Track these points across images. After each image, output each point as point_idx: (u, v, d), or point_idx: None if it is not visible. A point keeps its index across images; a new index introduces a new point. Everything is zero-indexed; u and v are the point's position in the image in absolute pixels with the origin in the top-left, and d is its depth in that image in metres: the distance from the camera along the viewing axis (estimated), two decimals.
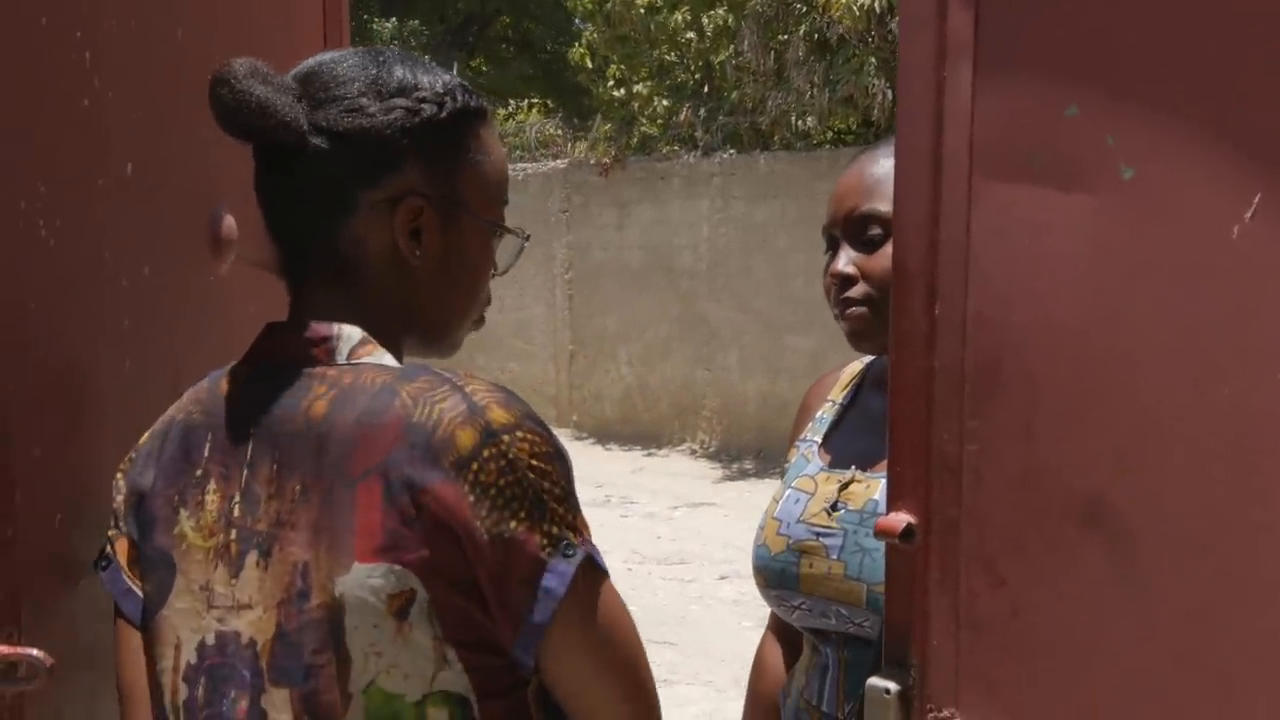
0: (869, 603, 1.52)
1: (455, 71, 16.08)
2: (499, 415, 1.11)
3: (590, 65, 14.53)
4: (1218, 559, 1.11)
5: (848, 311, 1.62)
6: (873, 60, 10.46)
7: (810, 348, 10.90)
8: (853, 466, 1.64)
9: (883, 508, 1.45)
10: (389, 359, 1.21)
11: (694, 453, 11.94)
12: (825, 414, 1.78)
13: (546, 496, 1.11)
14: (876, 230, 1.60)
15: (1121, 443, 1.17)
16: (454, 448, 1.08)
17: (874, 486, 1.58)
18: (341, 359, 1.19)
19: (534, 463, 1.11)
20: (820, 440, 1.74)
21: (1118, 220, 1.16)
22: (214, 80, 1.15)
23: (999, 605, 1.25)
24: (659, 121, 12.85)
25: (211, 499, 1.18)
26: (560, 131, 14.24)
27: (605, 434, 12.69)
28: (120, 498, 1.27)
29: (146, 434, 1.28)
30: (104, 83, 1.41)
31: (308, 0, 2.06)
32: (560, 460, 1.14)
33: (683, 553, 8.23)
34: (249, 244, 1.26)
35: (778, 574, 1.63)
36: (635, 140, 12.75)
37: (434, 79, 1.24)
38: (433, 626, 1.11)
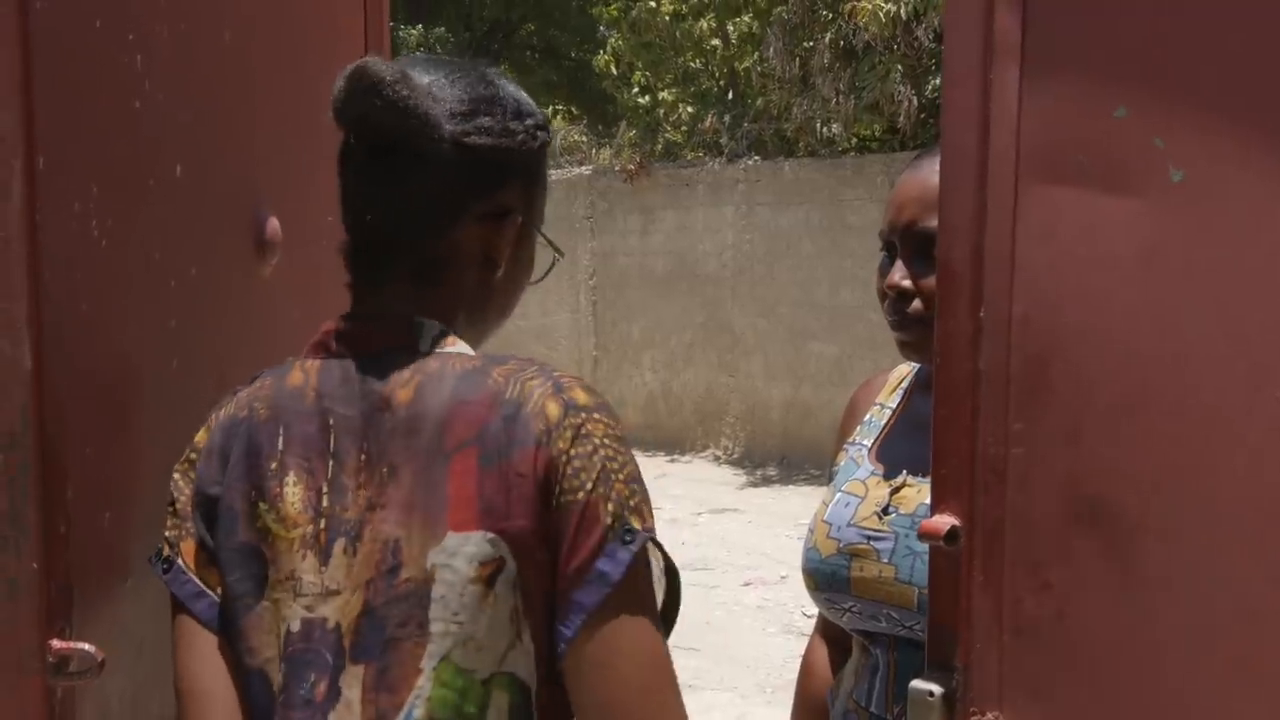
0: (920, 606, 1.52)
1: None
2: (581, 396, 1.18)
3: (615, 72, 14.58)
4: (1270, 561, 1.11)
5: (900, 326, 1.62)
6: (899, 67, 10.45)
7: (834, 354, 10.88)
8: (904, 471, 1.64)
9: None
10: (469, 349, 1.26)
11: (718, 459, 11.93)
12: (874, 417, 1.78)
13: (616, 474, 1.16)
14: (933, 244, 1.54)
15: (1170, 446, 1.16)
16: (542, 416, 1.15)
17: (925, 491, 1.58)
18: (425, 348, 1.23)
19: (606, 441, 1.17)
20: (870, 444, 1.73)
21: (1167, 223, 1.16)
22: (361, 83, 1.18)
23: (1044, 609, 1.25)
24: (684, 128, 12.88)
25: (292, 491, 1.20)
26: (585, 138, 14.27)
27: (629, 440, 12.69)
28: (184, 499, 1.27)
29: (202, 433, 1.29)
30: (154, 85, 1.42)
31: (350, 6, 2.08)
32: (629, 450, 1.20)
33: (706, 559, 8.23)
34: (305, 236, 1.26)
35: (828, 577, 1.63)
36: (660, 147, 12.77)
37: (532, 104, 1.32)
38: (515, 598, 1.14)
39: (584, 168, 13.27)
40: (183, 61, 1.49)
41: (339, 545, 1.18)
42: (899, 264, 1.61)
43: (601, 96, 17.51)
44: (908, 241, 1.61)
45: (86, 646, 1.25)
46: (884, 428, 1.75)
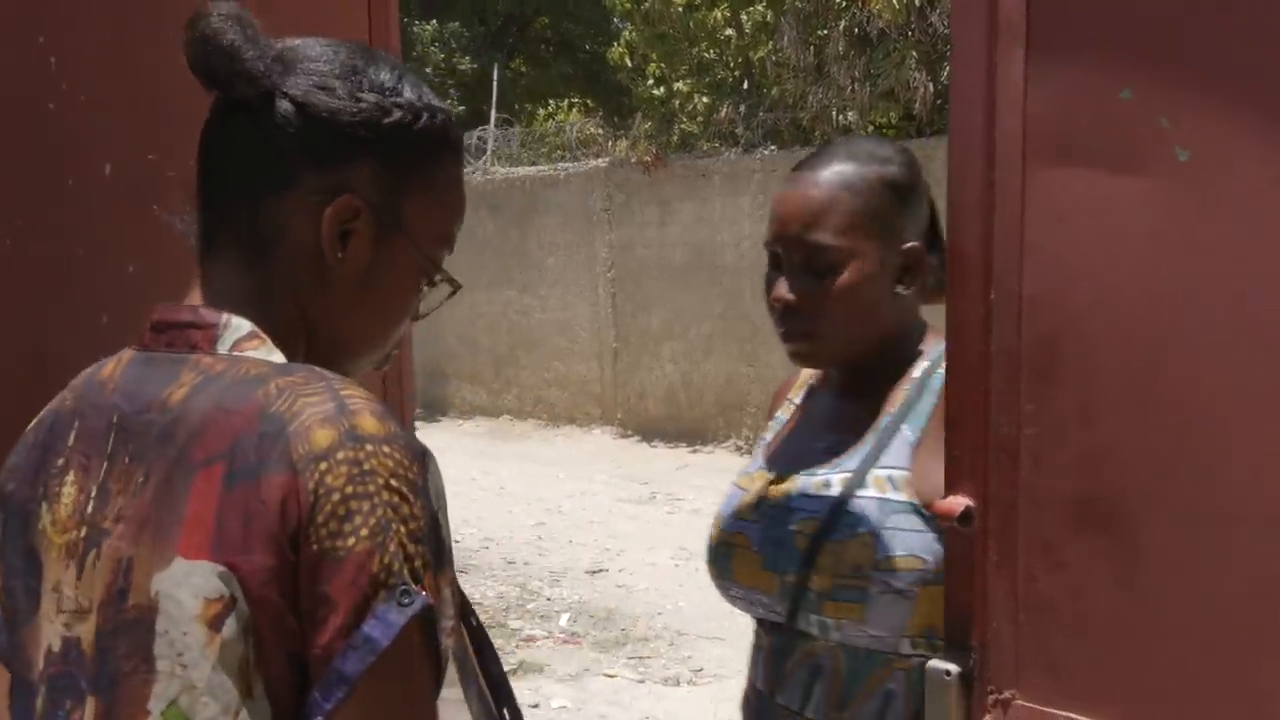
0: (782, 592, 1.59)
1: (496, 73, 16.12)
2: (369, 423, 0.98)
3: (630, 64, 14.56)
4: None
5: (789, 338, 1.64)
6: (913, 54, 10.42)
7: None
8: (786, 467, 1.69)
9: (794, 503, 1.60)
10: (277, 356, 1.09)
11: (739, 449, 11.92)
12: (783, 414, 1.82)
13: (397, 525, 0.96)
14: (821, 262, 1.59)
15: (1180, 423, 1.17)
16: (306, 442, 0.96)
17: (793, 483, 1.64)
18: (223, 349, 1.09)
19: (393, 482, 0.97)
20: (770, 439, 1.79)
21: (1174, 202, 1.17)
22: (193, 16, 1.09)
23: (1059, 587, 1.26)
24: (699, 119, 12.86)
25: (68, 491, 1.08)
26: (601, 130, 14.27)
27: (650, 431, 12.69)
28: None
29: (33, 423, 1.18)
30: (74, 86, 1.49)
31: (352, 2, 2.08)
32: (425, 498, 0.99)
33: None
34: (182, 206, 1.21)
35: (716, 564, 1.71)
36: (676, 138, 12.76)
37: (418, 92, 1.17)
38: (245, 646, 0.96)
39: (600, 160, 13.28)
40: (129, 60, 1.53)
41: (90, 557, 1.04)
42: (785, 278, 1.62)
43: (616, 89, 17.49)
44: (791, 255, 1.61)
45: None
46: (784, 424, 1.80)
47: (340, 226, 1.12)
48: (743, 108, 12.42)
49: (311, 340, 1.15)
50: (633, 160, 12.56)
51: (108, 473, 1.06)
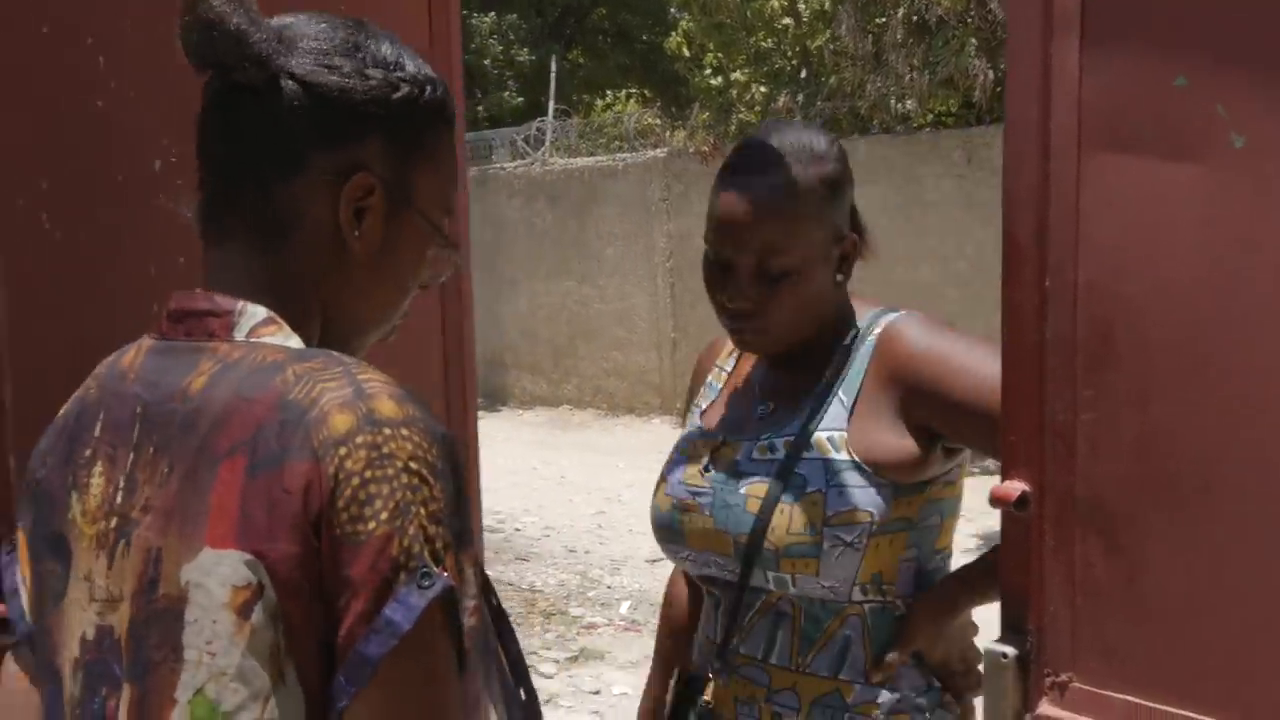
0: (735, 552, 1.67)
1: (554, 64, 16.15)
2: (386, 407, 1.00)
3: (687, 54, 14.56)
4: None
5: (740, 334, 1.72)
6: (973, 41, 10.33)
7: None
8: (723, 433, 1.77)
9: (742, 468, 1.69)
10: (295, 341, 1.10)
11: None
12: (714, 380, 1.90)
13: (416, 508, 0.97)
14: (773, 269, 1.65)
15: (1235, 406, 1.18)
16: (326, 427, 0.97)
17: (737, 448, 1.72)
18: (240, 336, 1.09)
19: (412, 465, 0.98)
20: (705, 406, 1.87)
21: (1229, 189, 1.17)
22: (195, 10, 1.07)
23: (1115, 571, 1.27)
24: (757, 108, 12.83)
25: (97, 482, 1.09)
26: (658, 121, 14.28)
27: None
28: (25, 488, 1.19)
29: (62, 411, 1.20)
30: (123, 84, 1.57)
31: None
32: (445, 480, 1.00)
33: None
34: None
35: (666, 528, 1.79)
36: (734, 128, 12.74)
37: (418, 66, 1.17)
38: (275, 633, 0.97)
39: (658, 150, 13.28)
40: (176, 58, 1.60)
41: (120, 547, 1.06)
42: (736, 280, 1.67)
43: (674, 79, 17.49)
44: (741, 259, 1.66)
45: None
46: (720, 391, 1.86)
47: (355, 205, 1.13)
48: (800, 97, 12.37)
49: (327, 320, 1.16)
50: (690, 150, 12.55)
51: (134, 463, 1.07)
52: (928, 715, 1.68)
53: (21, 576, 1.18)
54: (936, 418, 1.62)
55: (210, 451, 1.01)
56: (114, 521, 1.07)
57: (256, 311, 1.10)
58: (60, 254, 1.54)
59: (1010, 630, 1.34)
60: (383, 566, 0.95)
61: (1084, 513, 1.29)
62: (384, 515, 0.95)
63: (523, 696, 1.18)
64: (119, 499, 1.07)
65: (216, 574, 0.98)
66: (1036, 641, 1.32)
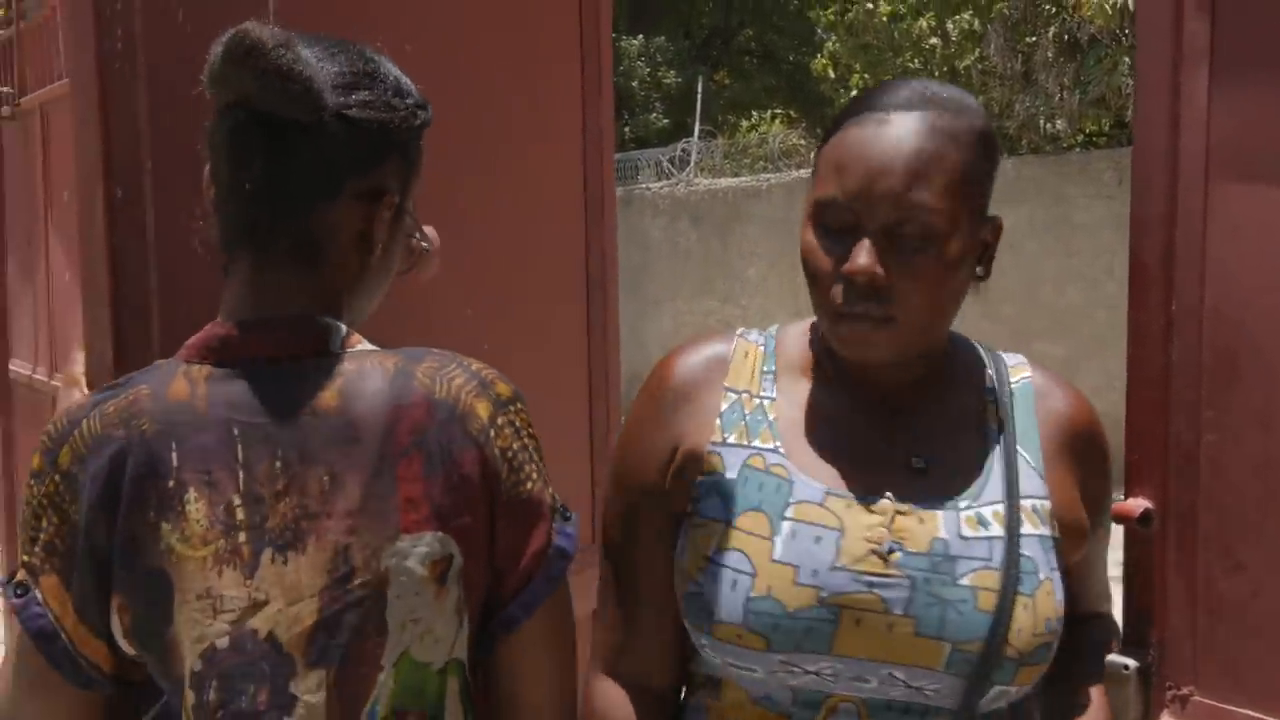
0: (949, 664, 1.20)
1: (700, 86, 16.23)
2: (503, 389, 1.21)
3: (833, 75, 14.55)
4: None
5: (857, 322, 1.22)
6: (1125, 59, 10.15)
7: (1061, 355, 10.61)
8: (879, 494, 1.25)
9: (954, 549, 1.21)
10: (367, 344, 1.23)
11: None
12: (752, 411, 1.33)
13: (541, 460, 1.23)
14: (918, 230, 1.20)
15: None
16: (475, 417, 1.18)
17: (928, 519, 1.24)
18: (335, 348, 1.20)
19: (531, 430, 1.22)
20: (781, 448, 1.29)
21: None
22: (242, 48, 1.12)
23: (1238, 588, 1.30)
24: None
25: (196, 508, 1.14)
26: (803, 141, 14.30)
27: None
28: (51, 529, 1.18)
29: (65, 452, 1.18)
30: None
31: (564, 20, 2.18)
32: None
33: None
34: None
35: (799, 634, 1.21)
36: None
37: (411, 83, 1.27)
38: (460, 590, 1.18)
39: (803, 171, 13.30)
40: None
41: (266, 556, 1.14)
42: (867, 248, 1.20)
43: (820, 99, 17.48)
44: (876, 217, 1.20)
45: None
46: (776, 425, 1.31)
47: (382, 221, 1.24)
48: None
49: (343, 317, 1.25)
50: None
51: (249, 480, 1.14)
52: None
53: (60, 625, 1.17)
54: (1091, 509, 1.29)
55: (386, 455, 1.16)
56: (241, 537, 1.14)
57: (338, 327, 1.21)
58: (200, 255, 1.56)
59: (1132, 643, 1.37)
60: (546, 515, 1.22)
61: (1206, 531, 1.32)
62: (535, 475, 1.21)
63: None
64: (239, 516, 1.14)
65: (415, 554, 1.15)
66: (1158, 654, 1.35)
